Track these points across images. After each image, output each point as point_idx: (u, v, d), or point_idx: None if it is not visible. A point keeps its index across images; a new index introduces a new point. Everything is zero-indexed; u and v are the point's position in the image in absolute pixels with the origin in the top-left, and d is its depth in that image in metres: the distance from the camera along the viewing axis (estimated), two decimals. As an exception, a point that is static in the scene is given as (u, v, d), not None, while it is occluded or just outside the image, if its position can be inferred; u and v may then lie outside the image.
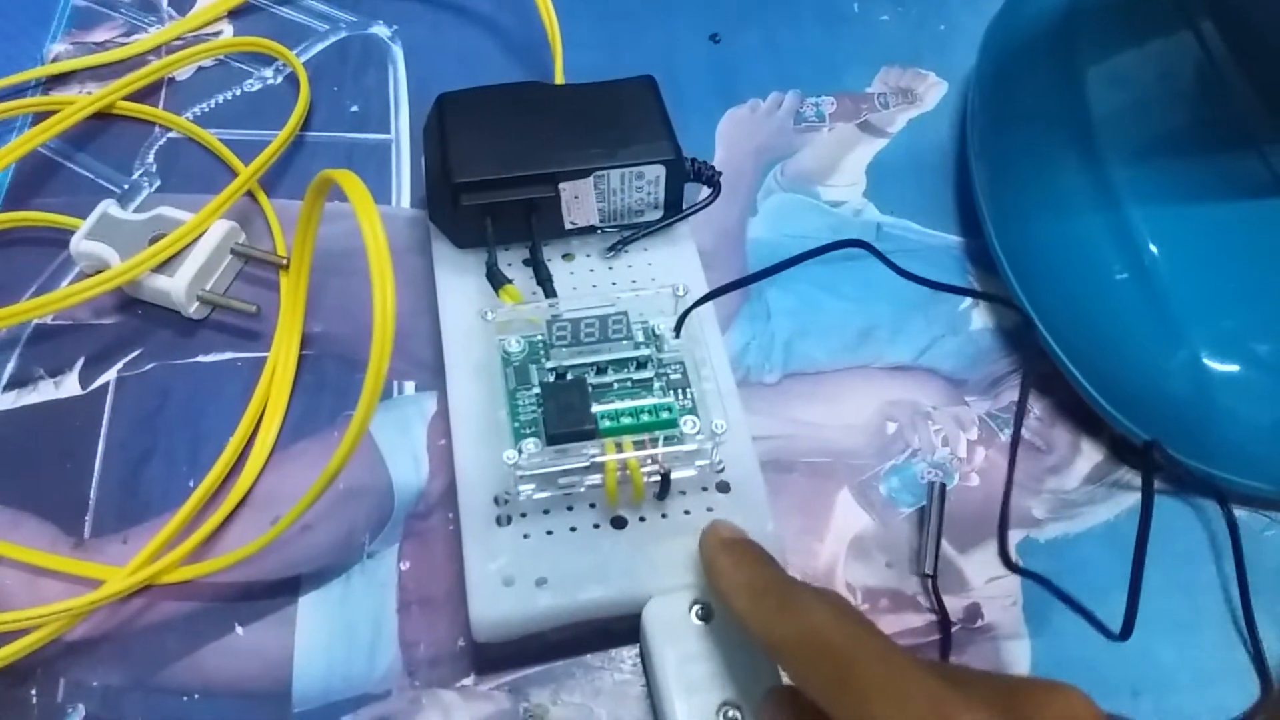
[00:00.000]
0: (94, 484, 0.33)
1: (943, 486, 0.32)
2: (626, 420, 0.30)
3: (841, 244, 0.29)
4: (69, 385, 0.35)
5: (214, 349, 0.36)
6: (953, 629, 0.31)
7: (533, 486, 0.30)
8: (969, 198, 0.38)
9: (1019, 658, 0.30)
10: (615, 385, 0.31)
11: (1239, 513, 0.33)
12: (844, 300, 0.37)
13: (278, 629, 0.30)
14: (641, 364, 0.31)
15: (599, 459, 0.29)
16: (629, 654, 0.30)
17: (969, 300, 0.37)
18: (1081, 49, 0.37)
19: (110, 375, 0.35)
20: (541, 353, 0.31)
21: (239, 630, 0.30)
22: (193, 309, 0.35)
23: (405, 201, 0.39)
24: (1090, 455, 0.34)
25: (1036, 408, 0.35)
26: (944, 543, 0.32)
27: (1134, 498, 0.33)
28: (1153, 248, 0.32)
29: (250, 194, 0.39)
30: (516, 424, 0.30)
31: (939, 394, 0.35)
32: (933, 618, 0.31)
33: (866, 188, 0.40)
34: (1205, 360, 0.31)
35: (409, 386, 0.35)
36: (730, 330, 0.36)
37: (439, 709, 0.29)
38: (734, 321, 0.36)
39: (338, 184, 0.27)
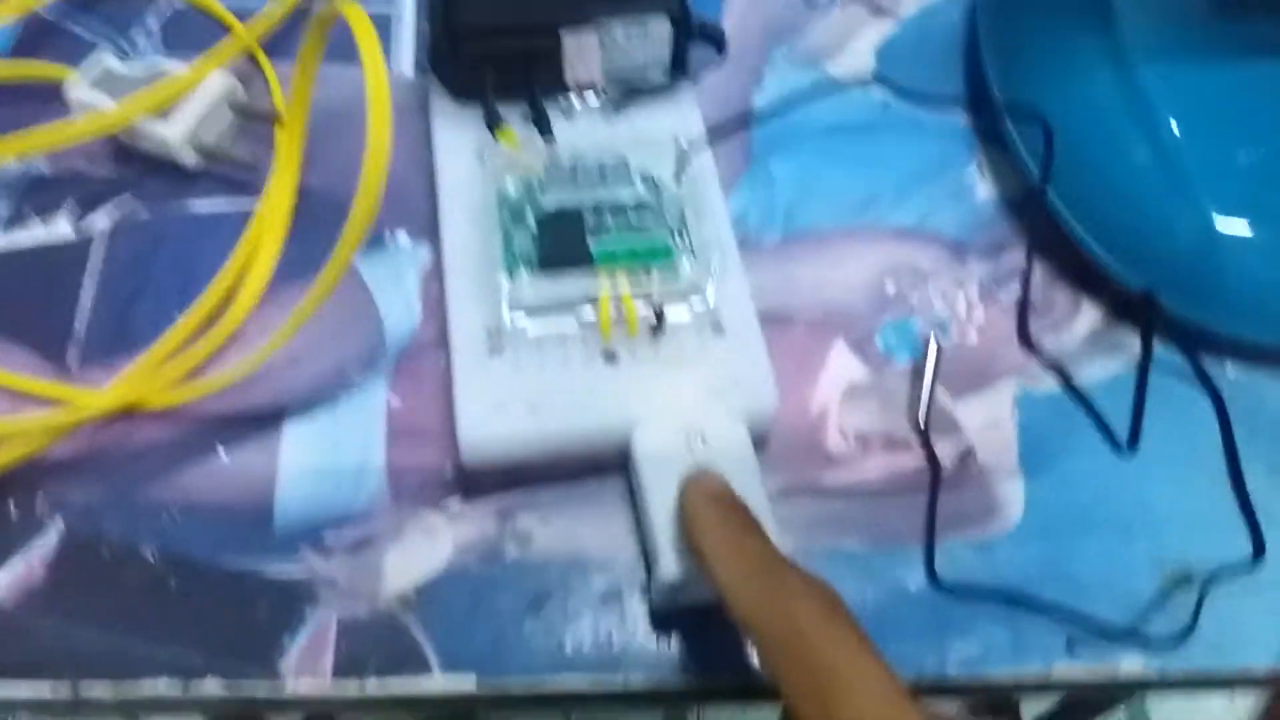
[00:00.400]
0: (82, 318, 0.33)
1: (939, 345, 0.32)
2: (622, 254, 0.29)
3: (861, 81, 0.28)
4: (61, 228, 0.35)
5: (209, 199, 0.35)
6: (946, 471, 0.30)
7: (526, 318, 0.29)
8: (977, 73, 0.38)
9: (1012, 499, 0.30)
10: (613, 226, 0.30)
11: (1240, 368, 0.32)
12: (848, 169, 0.37)
13: (262, 454, 0.30)
14: (640, 207, 0.31)
15: (593, 290, 0.29)
16: (616, 482, 0.30)
17: (973, 169, 0.37)
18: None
19: (103, 220, 0.35)
20: (538, 191, 0.31)
21: (222, 454, 0.30)
22: (189, 159, 0.35)
23: (405, 69, 0.39)
24: (1090, 315, 0.34)
25: (1039, 270, 0.34)
26: (939, 391, 0.32)
27: (1131, 356, 0.32)
28: (1166, 109, 0.32)
29: (251, 57, 0.39)
30: (510, 259, 0.30)
31: (940, 257, 0.35)
32: (924, 462, 0.30)
33: (874, 68, 0.39)
34: (1214, 217, 0.31)
35: (402, 236, 0.35)
36: (731, 196, 0.36)
37: (424, 530, 0.29)
38: (735, 187, 0.36)
39: (341, 24, 0.26)
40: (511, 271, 0.29)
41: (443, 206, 0.33)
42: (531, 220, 0.30)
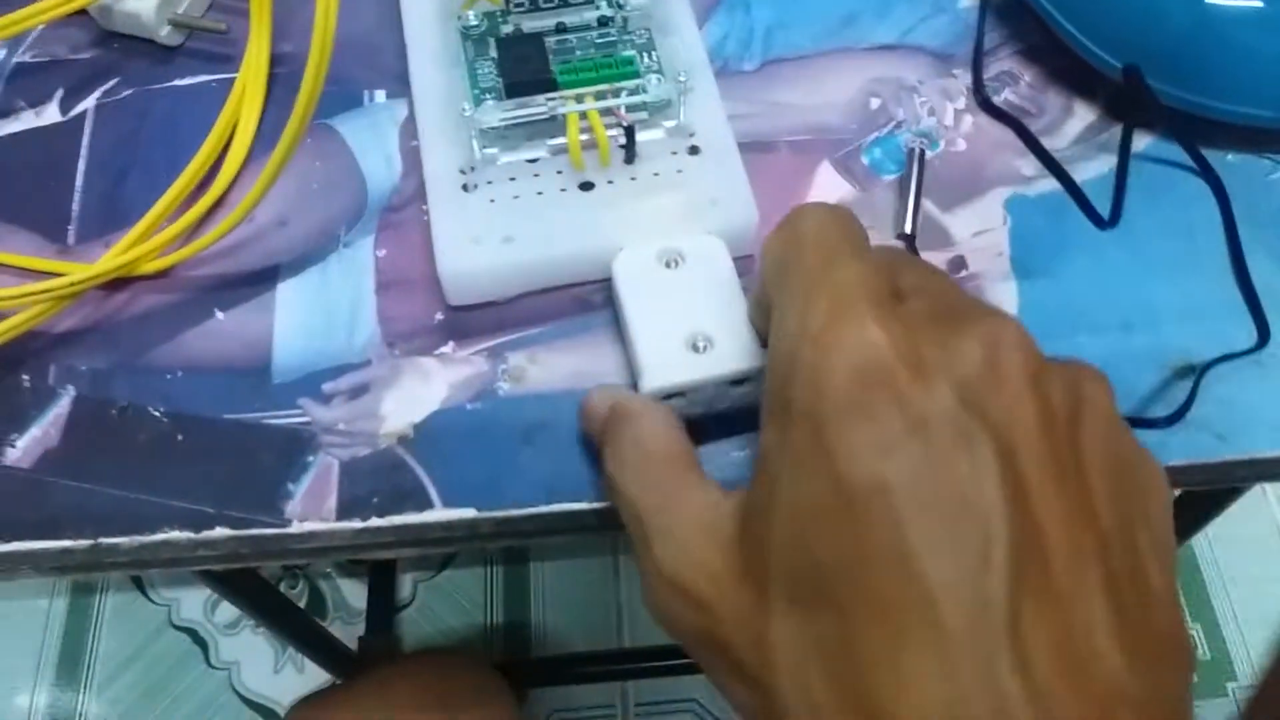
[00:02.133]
0: (76, 198, 0.33)
1: (921, 150, 0.31)
2: (586, 72, 0.29)
3: None
4: (50, 113, 0.35)
5: (190, 74, 0.36)
6: (936, 280, 0.30)
7: (496, 149, 0.29)
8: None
9: (1006, 300, 0.29)
10: (577, 48, 0.30)
11: (1242, 157, 0.31)
12: (825, -12, 0.36)
13: (257, 313, 0.31)
14: (604, 24, 0.30)
15: (560, 110, 0.28)
16: (600, 298, 0.30)
17: (957, -23, 0.35)
18: None
19: (89, 102, 0.35)
20: (500, 19, 0.30)
21: (219, 315, 0.31)
22: (164, 32, 0.35)
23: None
24: (1083, 116, 0.33)
25: (1027, 75, 0.33)
26: (928, 203, 0.31)
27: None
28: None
29: (219, -71, 0.38)
30: (476, 91, 0.30)
31: (925, 69, 0.34)
32: (915, 273, 0.30)
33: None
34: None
35: (379, 95, 0.34)
36: (708, 25, 0.35)
37: (418, 374, 0.29)
38: (711, 16, 0.35)
39: None
40: (478, 102, 0.29)
41: (410, 45, 0.32)
42: (494, 49, 0.30)
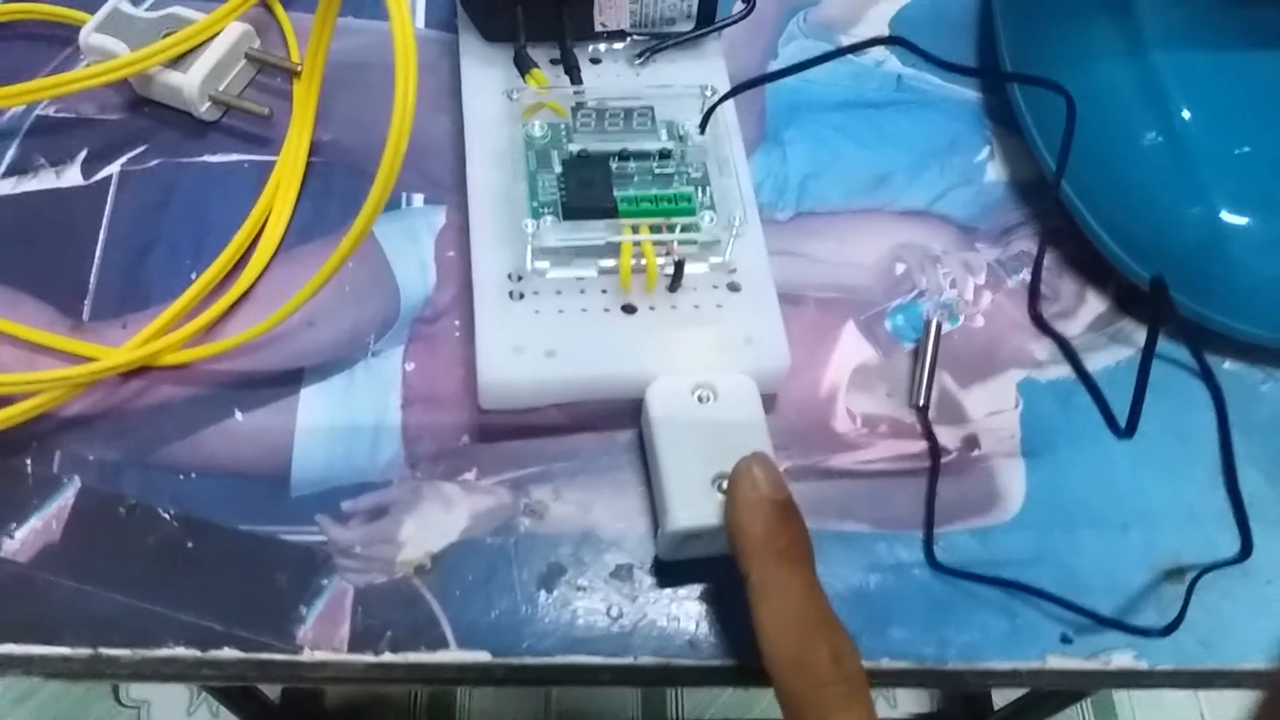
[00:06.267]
0: (94, 269, 0.32)
1: (938, 324, 0.33)
2: (645, 204, 0.30)
3: (878, 41, 0.28)
4: (71, 175, 0.34)
5: (222, 150, 0.35)
6: (949, 457, 0.31)
7: (548, 263, 0.30)
8: (991, 55, 0.38)
9: (1013, 485, 0.31)
10: (636, 175, 0.31)
11: (1236, 366, 0.33)
12: (861, 146, 0.37)
13: (279, 416, 0.30)
14: (664, 156, 0.31)
15: (615, 239, 0.29)
16: (624, 437, 0.30)
17: (985, 152, 0.37)
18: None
19: (114, 168, 0.34)
20: (564, 136, 0.31)
21: (239, 415, 0.30)
22: (204, 108, 0.35)
23: (421, 21, 0.38)
24: (1095, 305, 0.34)
25: (1046, 258, 0.35)
26: (946, 377, 0.32)
27: (1134, 348, 0.33)
28: (1179, 100, 0.32)
29: (265, 4, 0.38)
30: (535, 203, 0.30)
31: (950, 240, 0.35)
32: (927, 445, 0.31)
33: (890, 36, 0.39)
34: (1222, 211, 0.31)
35: (418, 199, 0.34)
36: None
37: (440, 500, 0.29)
38: (750, 160, 0.36)
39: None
40: (537, 216, 0.29)
41: (469, 146, 0.33)
42: (557, 164, 0.31)
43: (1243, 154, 0.32)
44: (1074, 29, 0.35)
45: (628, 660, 0.27)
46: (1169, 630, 0.28)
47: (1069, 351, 0.32)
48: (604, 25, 0.34)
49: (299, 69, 0.35)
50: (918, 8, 0.40)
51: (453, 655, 0.27)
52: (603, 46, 0.35)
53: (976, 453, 0.31)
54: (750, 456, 0.26)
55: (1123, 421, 0.29)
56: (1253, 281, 0.32)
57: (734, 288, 0.31)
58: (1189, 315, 0.32)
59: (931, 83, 0.38)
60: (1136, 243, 0.33)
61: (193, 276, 0.32)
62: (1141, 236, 0.32)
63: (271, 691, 0.79)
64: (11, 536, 0.28)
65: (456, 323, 0.32)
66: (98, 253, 0.33)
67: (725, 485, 0.27)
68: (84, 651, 0.26)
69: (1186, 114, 0.32)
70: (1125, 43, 0.33)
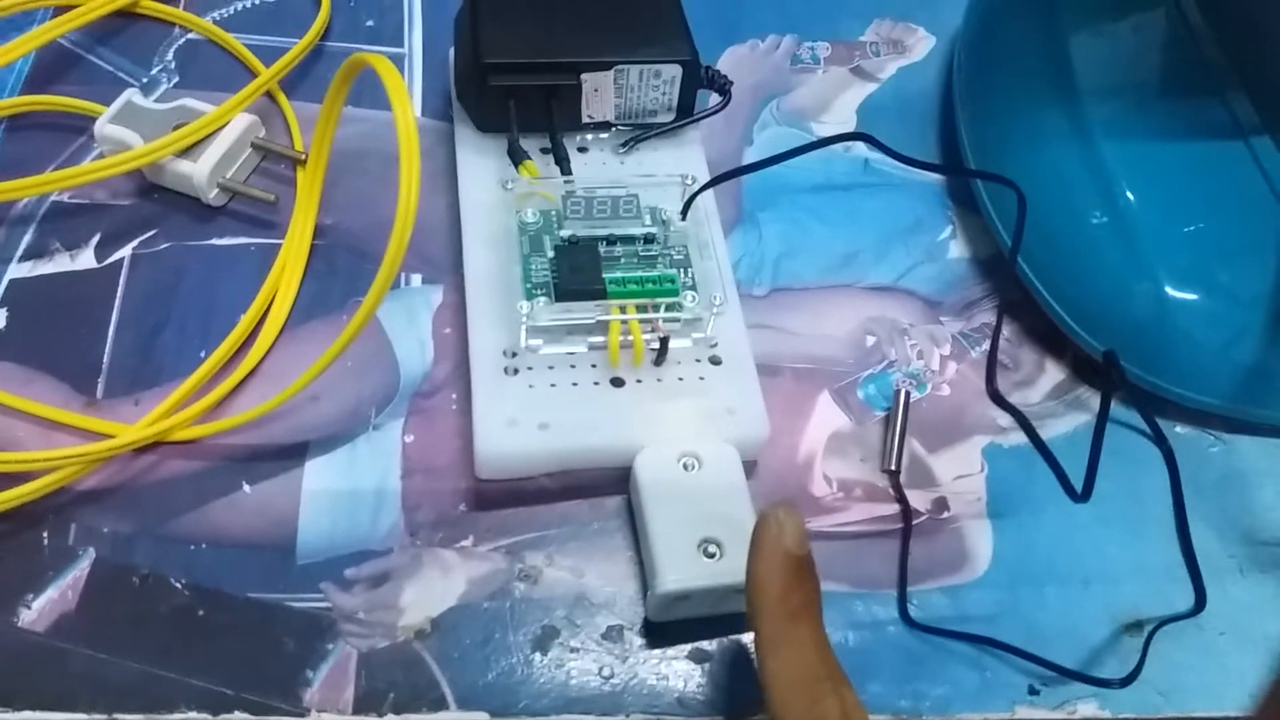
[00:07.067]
0: (107, 349, 0.34)
1: (907, 393, 0.35)
2: (632, 285, 0.32)
3: (847, 136, 0.31)
4: (85, 259, 0.36)
5: (230, 234, 0.37)
6: (920, 519, 0.33)
7: (541, 341, 0.32)
8: (952, 141, 0.41)
9: (981, 545, 0.32)
10: (622, 258, 0.33)
11: (1187, 430, 0.35)
12: (831, 226, 0.39)
13: (284, 489, 0.32)
14: (649, 240, 0.33)
15: (604, 318, 0.31)
16: (614, 504, 0.32)
17: (947, 231, 0.39)
18: (1063, 9, 0.40)
19: (126, 251, 0.36)
20: (555, 223, 0.33)
21: (246, 488, 0.32)
22: (212, 195, 0.37)
23: (418, 110, 0.41)
24: (1053, 374, 0.36)
25: (1006, 330, 0.37)
26: (916, 443, 0.34)
27: (1091, 414, 0.35)
28: (1124, 184, 0.35)
29: (270, 95, 0.40)
30: (529, 285, 0.32)
31: (916, 313, 0.37)
32: (899, 508, 0.33)
33: (856, 126, 0.42)
34: (1167, 287, 0.34)
35: (416, 279, 0.36)
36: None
37: (439, 566, 0.31)
38: (728, 240, 0.38)
39: (365, 70, 0.28)
40: (531, 297, 0.31)
41: (465, 230, 0.35)
42: (549, 249, 0.33)
43: (1186, 233, 0.35)
44: (1026, 118, 0.38)
45: (620, 718, 0.29)
46: (1128, 681, 0.30)
47: (1025, 424, 0.34)
48: (591, 117, 0.36)
49: (302, 156, 0.37)
50: (883, 95, 0.43)
51: (453, 716, 0.28)
52: (590, 136, 0.37)
53: (946, 514, 0.33)
54: (777, 505, 0.26)
55: (1079, 485, 0.31)
56: (1198, 353, 0.34)
57: (715, 361, 0.33)
58: (1141, 384, 0.35)
59: (897, 166, 0.41)
60: (1088, 317, 0.35)
61: (202, 355, 0.34)
62: (1093, 311, 0.35)
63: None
64: (29, 607, 0.29)
65: (453, 396, 0.34)
66: (110, 333, 0.34)
67: (711, 550, 0.29)
68: (100, 717, 0.28)
69: (1131, 196, 0.35)
70: (1073, 131, 0.36)
